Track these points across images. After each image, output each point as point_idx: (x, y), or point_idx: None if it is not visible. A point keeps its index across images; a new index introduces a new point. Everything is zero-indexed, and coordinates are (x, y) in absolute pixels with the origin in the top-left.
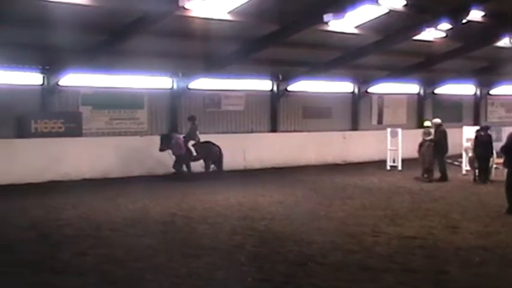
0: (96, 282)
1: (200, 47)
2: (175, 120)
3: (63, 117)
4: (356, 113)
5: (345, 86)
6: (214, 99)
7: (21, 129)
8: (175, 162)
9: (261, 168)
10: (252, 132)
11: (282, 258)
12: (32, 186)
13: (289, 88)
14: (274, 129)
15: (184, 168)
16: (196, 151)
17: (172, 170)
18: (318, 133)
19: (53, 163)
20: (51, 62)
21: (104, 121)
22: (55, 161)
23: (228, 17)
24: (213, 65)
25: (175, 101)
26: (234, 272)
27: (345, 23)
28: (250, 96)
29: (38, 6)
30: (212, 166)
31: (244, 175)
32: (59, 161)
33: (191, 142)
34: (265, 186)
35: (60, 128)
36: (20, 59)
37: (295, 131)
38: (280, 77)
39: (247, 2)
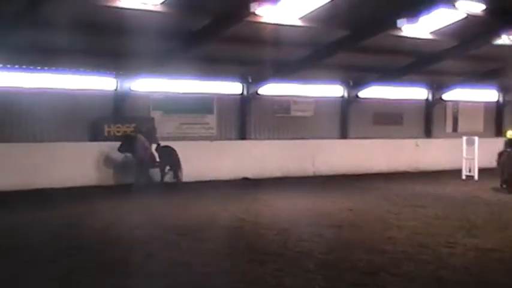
0: (163, 286)
1: (270, 52)
2: (244, 125)
3: (135, 122)
4: (429, 120)
5: (418, 92)
6: (283, 104)
7: (94, 133)
8: (138, 169)
9: (330, 175)
10: (321, 138)
11: (351, 266)
12: (104, 189)
13: (360, 94)
14: (344, 135)
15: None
16: (158, 156)
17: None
18: (389, 140)
19: (124, 167)
20: (123, 67)
21: (174, 126)
22: (127, 165)
23: (299, 23)
24: (283, 70)
25: (244, 106)
26: (301, 279)
27: (419, 28)
28: (320, 102)
29: (112, 14)
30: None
31: (312, 181)
32: (131, 165)
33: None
34: (334, 193)
35: (133, 131)
36: (94, 65)
37: (365, 137)
38: (351, 83)
39: (319, 7)
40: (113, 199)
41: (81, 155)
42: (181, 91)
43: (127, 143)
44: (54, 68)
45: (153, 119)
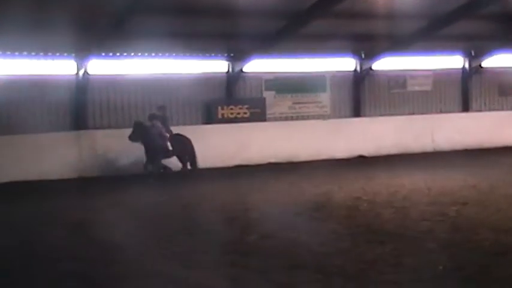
0: (283, 265)
1: (383, 26)
2: (358, 102)
3: (248, 103)
4: None
5: None
6: (399, 79)
7: (208, 115)
8: (149, 159)
9: (451, 150)
10: (441, 112)
11: (476, 246)
12: (220, 170)
13: (483, 64)
14: (465, 108)
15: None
16: (171, 145)
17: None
18: None
19: (239, 148)
20: (235, 49)
21: (287, 105)
22: (241, 146)
23: None
24: (398, 44)
25: (358, 83)
26: (423, 260)
27: None
28: (439, 75)
29: None
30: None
31: (432, 158)
32: (244, 146)
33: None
34: (456, 169)
35: (245, 113)
36: (208, 48)
37: (490, 110)
38: (473, 53)
39: None
40: (229, 180)
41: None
42: (293, 70)
43: (139, 130)
44: (167, 54)
45: (264, 99)
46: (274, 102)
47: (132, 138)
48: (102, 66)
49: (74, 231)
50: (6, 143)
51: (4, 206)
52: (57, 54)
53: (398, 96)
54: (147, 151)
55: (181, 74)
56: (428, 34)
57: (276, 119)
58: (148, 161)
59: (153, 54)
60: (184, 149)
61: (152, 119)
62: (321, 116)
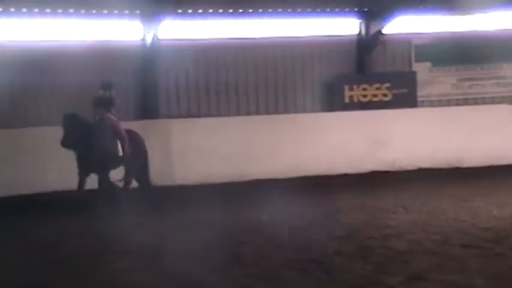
0: None
1: None
2: None
3: (389, 80)
4: None
5: None
6: None
7: (331, 98)
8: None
9: None
10: None
11: None
12: (346, 178)
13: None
14: None
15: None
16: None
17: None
18: None
19: (374, 146)
20: (370, 2)
21: (449, 83)
22: (377, 143)
23: None
24: None
25: None
26: None
27: None
28: None
29: None
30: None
31: None
32: (382, 144)
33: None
34: None
35: (385, 95)
36: (330, 2)
37: None
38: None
39: None
40: (359, 192)
41: (314, 131)
42: (460, 29)
43: (73, 129)
44: (270, 11)
45: (414, 73)
46: (430, 79)
47: (65, 142)
48: (179, 29)
49: None
50: (45, 135)
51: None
52: (116, 12)
53: None
54: (85, 162)
55: (289, 39)
56: None
57: (432, 104)
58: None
59: (250, 11)
60: (137, 154)
61: (99, 107)
62: (504, 99)
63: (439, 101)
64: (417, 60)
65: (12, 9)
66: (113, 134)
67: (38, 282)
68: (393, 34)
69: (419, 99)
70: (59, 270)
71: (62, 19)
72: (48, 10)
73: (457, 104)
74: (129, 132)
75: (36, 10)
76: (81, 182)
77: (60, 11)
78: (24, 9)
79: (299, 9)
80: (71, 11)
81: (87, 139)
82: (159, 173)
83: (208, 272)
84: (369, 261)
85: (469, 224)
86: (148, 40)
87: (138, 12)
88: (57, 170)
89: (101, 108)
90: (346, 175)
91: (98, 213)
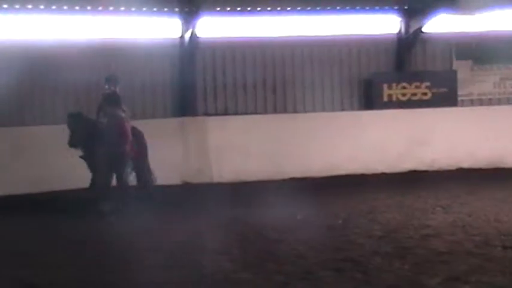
0: None
1: None
2: None
3: (429, 79)
4: None
5: None
6: None
7: (369, 97)
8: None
9: None
10: None
11: None
12: (384, 177)
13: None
14: None
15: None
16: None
17: None
18: None
19: (413, 145)
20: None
21: (491, 82)
22: (416, 142)
23: None
24: None
25: None
26: None
27: None
28: None
29: None
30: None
31: None
32: (422, 142)
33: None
34: None
35: (425, 94)
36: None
37: None
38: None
39: None
40: (396, 191)
41: (351, 130)
42: (501, 29)
43: (81, 128)
44: (308, 9)
45: (455, 72)
46: (471, 78)
47: (73, 142)
48: (217, 27)
49: None
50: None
51: None
52: (154, 10)
53: None
54: (92, 163)
55: (327, 37)
56: None
57: (473, 103)
58: (102, 177)
59: (288, 8)
60: (141, 151)
61: (112, 104)
62: None
63: (480, 100)
64: (458, 59)
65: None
66: (119, 132)
67: (89, 279)
68: (434, 32)
69: (459, 98)
70: (101, 266)
71: (94, 16)
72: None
73: (499, 104)
74: (133, 129)
75: (66, 7)
76: (101, 180)
77: (100, 8)
78: (53, 7)
79: (338, 7)
80: (111, 8)
81: (93, 138)
82: (196, 170)
83: (243, 270)
84: (407, 262)
85: (511, 225)
86: (187, 37)
87: (176, 9)
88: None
89: (111, 105)
90: (383, 174)
91: (129, 213)
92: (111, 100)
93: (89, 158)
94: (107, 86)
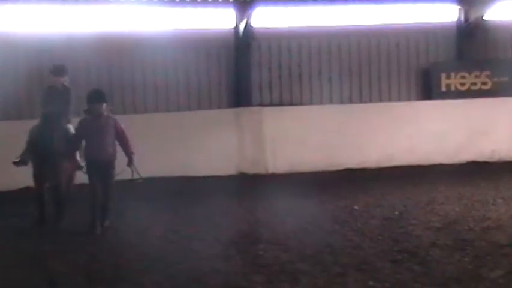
0: None
1: None
2: None
3: (490, 68)
4: None
5: None
6: None
7: (427, 87)
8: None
9: None
10: None
11: None
12: (442, 168)
13: None
14: None
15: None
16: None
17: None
18: None
19: (474, 136)
20: None
21: None
22: (478, 133)
23: None
24: None
25: None
26: None
27: None
28: None
29: None
30: None
31: None
32: (482, 133)
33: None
34: None
35: (485, 84)
36: None
37: None
38: None
39: None
40: (456, 181)
41: (408, 120)
42: None
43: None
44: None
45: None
46: None
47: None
48: (271, 17)
49: None
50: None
51: None
52: (209, 0)
53: None
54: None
55: (384, 26)
56: None
57: None
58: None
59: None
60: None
61: (96, 102)
62: None
63: None
64: None
65: None
66: (115, 133)
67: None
68: (494, 20)
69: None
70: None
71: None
72: None
73: None
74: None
75: None
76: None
77: None
78: None
79: None
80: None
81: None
82: (252, 161)
83: (299, 261)
84: (467, 254)
85: None
86: (241, 28)
87: (231, 0)
88: None
89: (98, 103)
90: (442, 165)
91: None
92: (97, 97)
93: None
94: (52, 76)
